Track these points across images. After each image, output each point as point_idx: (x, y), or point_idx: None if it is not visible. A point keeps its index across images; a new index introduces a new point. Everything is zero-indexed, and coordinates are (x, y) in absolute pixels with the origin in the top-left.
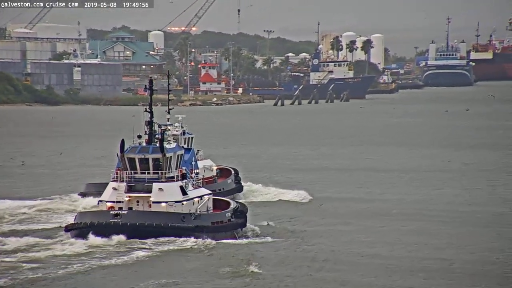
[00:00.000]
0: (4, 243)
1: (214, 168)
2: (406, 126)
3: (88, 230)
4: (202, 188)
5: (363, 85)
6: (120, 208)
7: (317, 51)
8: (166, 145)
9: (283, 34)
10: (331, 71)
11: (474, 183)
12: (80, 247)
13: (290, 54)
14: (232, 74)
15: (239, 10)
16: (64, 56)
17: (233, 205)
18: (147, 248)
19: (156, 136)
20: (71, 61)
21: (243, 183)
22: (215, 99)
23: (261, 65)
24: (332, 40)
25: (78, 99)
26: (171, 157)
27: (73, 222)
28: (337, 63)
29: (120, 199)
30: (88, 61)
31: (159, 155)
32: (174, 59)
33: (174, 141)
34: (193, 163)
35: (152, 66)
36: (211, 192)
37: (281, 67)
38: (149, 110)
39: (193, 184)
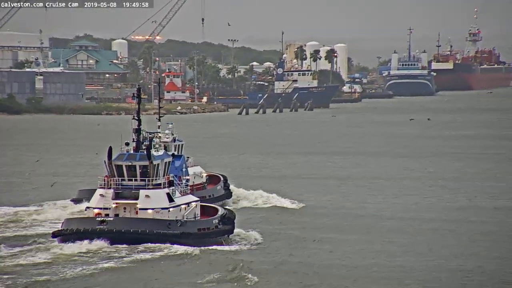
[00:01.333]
0: None
1: (204, 174)
2: (389, 135)
3: (74, 236)
4: (190, 195)
5: (327, 94)
6: (107, 215)
7: (281, 60)
8: (153, 153)
9: (247, 43)
10: (296, 80)
11: (436, 191)
12: (66, 253)
13: (254, 63)
14: (196, 83)
15: (203, 19)
16: (26, 65)
17: (220, 211)
18: (132, 255)
19: (144, 143)
20: (33, 70)
21: (232, 189)
22: (179, 107)
23: (225, 74)
24: (296, 49)
25: (40, 107)
26: (158, 164)
27: (60, 228)
28: (301, 72)
29: (107, 205)
30: (50, 69)
31: (146, 162)
32: (138, 68)
33: (161, 149)
34: (183, 169)
35: (116, 75)
36: (198, 199)
37: (245, 76)
38: (136, 118)
39: (181, 191)
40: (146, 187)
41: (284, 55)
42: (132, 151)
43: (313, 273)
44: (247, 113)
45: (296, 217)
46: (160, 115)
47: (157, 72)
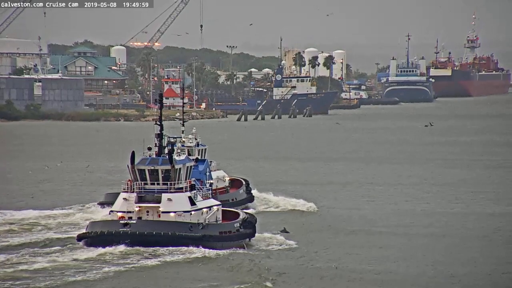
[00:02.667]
0: (18, 250)
1: (227, 178)
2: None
3: (98, 239)
4: (211, 199)
5: (326, 101)
6: (130, 218)
7: (280, 66)
8: (175, 157)
9: (246, 50)
10: (294, 87)
11: (434, 197)
12: (91, 256)
13: (253, 69)
14: (195, 89)
15: (201, 26)
16: (24, 71)
17: (242, 215)
18: (154, 257)
19: (167, 147)
20: (32, 76)
21: (253, 193)
22: (178, 114)
23: (224, 80)
24: (294, 55)
25: (39, 114)
26: (180, 168)
27: (85, 231)
28: (300, 78)
29: (131, 209)
30: (49, 76)
31: (168, 167)
32: (137, 74)
33: (183, 153)
34: (207, 173)
35: (114, 81)
36: (220, 203)
37: (244, 83)
38: (159, 123)
39: (202, 195)
40: (168, 190)
41: (283, 62)
42: (154, 156)
43: (339, 277)
44: (245, 120)
45: (315, 220)
46: (184, 120)
47: (155, 79)
